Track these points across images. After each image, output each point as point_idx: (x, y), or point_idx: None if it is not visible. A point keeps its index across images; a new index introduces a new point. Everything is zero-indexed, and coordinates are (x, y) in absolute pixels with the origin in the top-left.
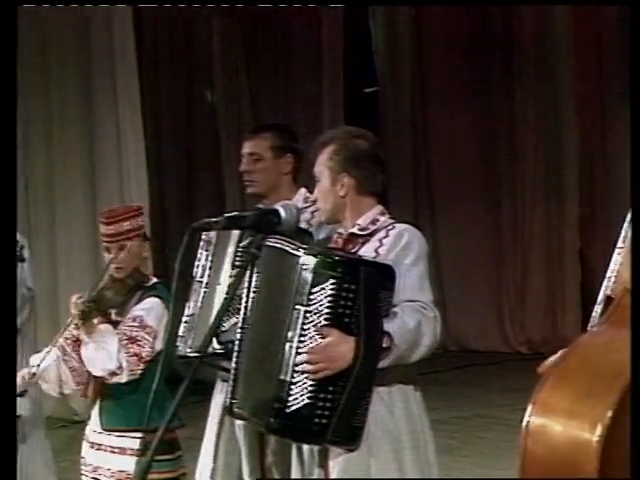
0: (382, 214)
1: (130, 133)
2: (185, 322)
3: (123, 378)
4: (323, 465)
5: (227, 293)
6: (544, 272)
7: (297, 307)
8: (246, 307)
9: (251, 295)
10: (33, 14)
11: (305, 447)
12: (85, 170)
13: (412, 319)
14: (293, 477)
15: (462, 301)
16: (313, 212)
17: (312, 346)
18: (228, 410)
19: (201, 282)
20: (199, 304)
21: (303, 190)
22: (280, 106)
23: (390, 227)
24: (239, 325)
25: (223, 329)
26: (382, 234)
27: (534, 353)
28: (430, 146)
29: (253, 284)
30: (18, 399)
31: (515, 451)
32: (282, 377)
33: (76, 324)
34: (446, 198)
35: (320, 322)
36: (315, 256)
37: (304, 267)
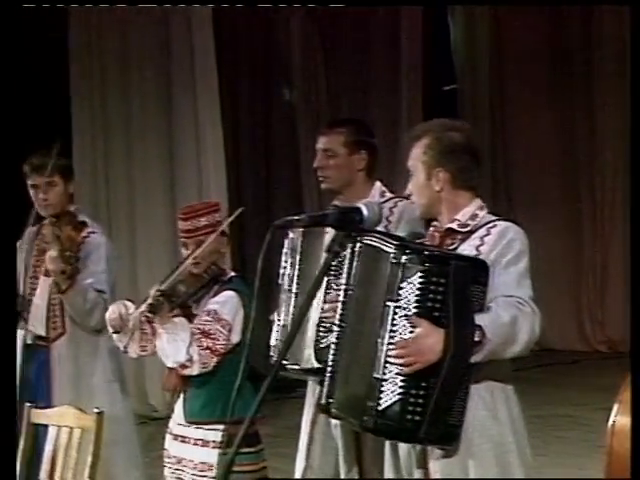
0: (481, 209)
1: (209, 131)
2: (277, 331)
3: (194, 370)
4: (423, 466)
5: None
6: (623, 271)
7: (388, 303)
8: (343, 306)
9: (343, 293)
10: (111, 14)
11: (402, 447)
12: (164, 168)
13: (507, 313)
14: (386, 477)
15: (541, 300)
16: (391, 208)
17: (401, 339)
18: (325, 409)
19: (290, 291)
20: (291, 315)
21: (378, 184)
22: (358, 105)
23: (492, 225)
24: (336, 322)
25: (321, 345)
26: (483, 232)
27: (614, 352)
28: (508, 146)
29: (349, 282)
30: (104, 396)
31: (594, 450)
32: (375, 375)
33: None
34: (524, 199)
35: (409, 316)
36: (404, 251)
37: (394, 262)
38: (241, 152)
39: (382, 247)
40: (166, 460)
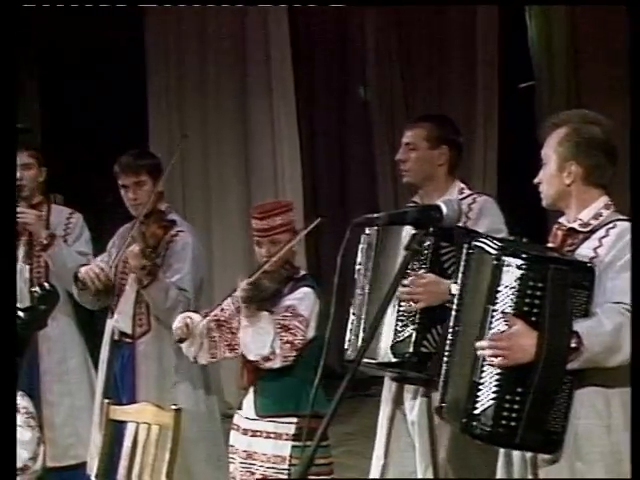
0: (607, 207)
1: (284, 129)
2: (351, 326)
3: (276, 364)
4: (535, 473)
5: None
6: None
7: (487, 306)
8: (457, 308)
9: (458, 296)
10: (188, 14)
11: (516, 452)
12: (240, 167)
13: (611, 321)
14: (499, 476)
15: None
16: (470, 204)
17: (495, 334)
18: (438, 412)
19: (365, 286)
20: (365, 309)
21: (458, 182)
22: (434, 102)
23: (611, 225)
24: (450, 326)
25: (398, 339)
26: (602, 232)
27: None
28: None
29: (463, 284)
30: (187, 393)
31: None
32: (473, 378)
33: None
34: None
35: (506, 317)
36: (504, 253)
37: (495, 264)
38: (316, 150)
39: (486, 248)
40: (232, 456)
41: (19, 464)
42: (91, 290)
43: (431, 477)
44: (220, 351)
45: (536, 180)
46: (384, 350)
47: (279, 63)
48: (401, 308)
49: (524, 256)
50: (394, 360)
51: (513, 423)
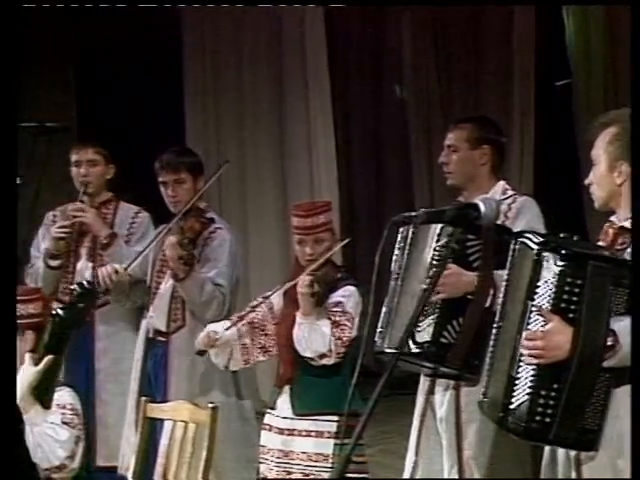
0: None
1: (320, 129)
2: (382, 318)
3: (331, 360)
4: (578, 470)
5: (424, 290)
6: None
7: (527, 301)
8: (502, 304)
9: (504, 291)
10: (224, 14)
11: (560, 450)
12: (276, 168)
13: None
14: (543, 476)
15: None
16: (510, 204)
17: (531, 331)
18: (480, 407)
19: (398, 278)
20: (396, 300)
21: (502, 182)
22: (470, 101)
23: None
24: (495, 321)
25: (418, 329)
26: None
27: None
28: None
29: (508, 279)
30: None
31: None
32: (511, 373)
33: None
34: None
35: (543, 313)
36: (545, 248)
37: (535, 259)
38: (352, 149)
39: (529, 243)
40: (264, 456)
41: (56, 462)
42: (101, 287)
43: (455, 476)
44: (253, 356)
45: (587, 181)
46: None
47: (315, 63)
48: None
49: (563, 252)
50: (415, 350)
51: (547, 419)
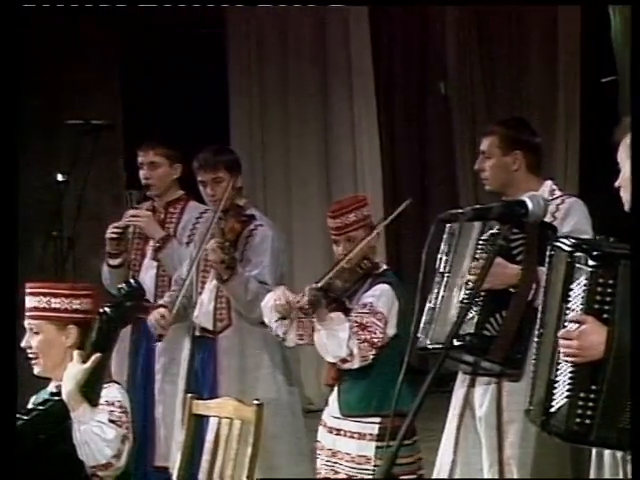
0: None
1: (364, 124)
2: (426, 314)
3: (355, 364)
4: (626, 472)
5: (469, 287)
6: None
7: (562, 304)
8: (542, 310)
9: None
10: (268, 13)
11: (606, 453)
12: (320, 162)
13: None
14: (592, 477)
15: None
16: (558, 205)
17: (567, 330)
18: (527, 415)
19: (443, 274)
20: (440, 296)
21: (549, 183)
22: (515, 98)
23: None
24: (537, 328)
25: (462, 321)
26: None
27: None
28: None
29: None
30: (269, 388)
31: None
32: (550, 376)
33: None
34: None
35: (576, 316)
36: (577, 250)
37: (568, 261)
38: (396, 146)
39: (562, 247)
40: (319, 452)
41: (102, 460)
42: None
43: (495, 475)
44: (307, 334)
45: (617, 184)
46: (448, 333)
47: (359, 59)
48: (466, 290)
49: (595, 253)
50: (457, 343)
51: (587, 420)
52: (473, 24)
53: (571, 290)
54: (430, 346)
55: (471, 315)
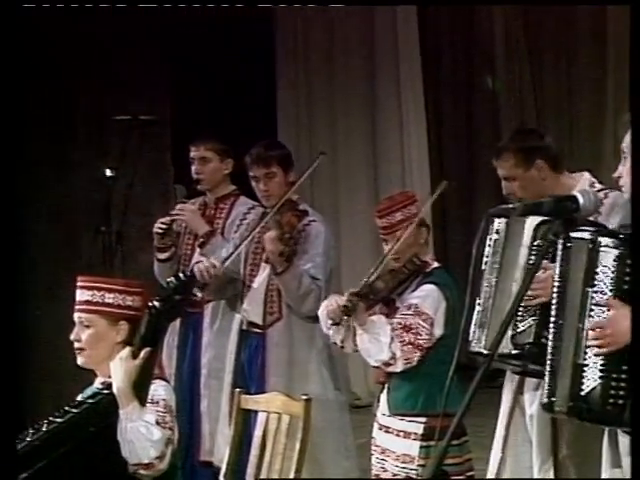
0: None
1: (412, 120)
2: (476, 317)
3: (398, 367)
4: None
5: (521, 289)
6: None
7: (586, 289)
8: (558, 298)
9: (557, 286)
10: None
11: (620, 437)
12: (368, 159)
13: None
14: (603, 469)
15: None
16: (601, 199)
17: (597, 321)
18: (548, 409)
19: (492, 275)
20: (490, 299)
21: (587, 175)
22: (563, 93)
23: None
24: (552, 319)
25: (518, 330)
26: None
27: None
28: None
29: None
30: (317, 383)
31: None
32: (577, 361)
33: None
34: None
35: (604, 300)
36: (600, 236)
37: (590, 247)
38: (444, 143)
39: (581, 235)
40: (373, 448)
41: (145, 460)
42: (199, 283)
43: (549, 473)
44: None
45: (616, 174)
46: (504, 341)
47: (407, 54)
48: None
49: (621, 237)
50: (514, 352)
51: (620, 401)
52: (521, 19)
53: (596, 274)
54: (485, 352)
55: (529, 323)
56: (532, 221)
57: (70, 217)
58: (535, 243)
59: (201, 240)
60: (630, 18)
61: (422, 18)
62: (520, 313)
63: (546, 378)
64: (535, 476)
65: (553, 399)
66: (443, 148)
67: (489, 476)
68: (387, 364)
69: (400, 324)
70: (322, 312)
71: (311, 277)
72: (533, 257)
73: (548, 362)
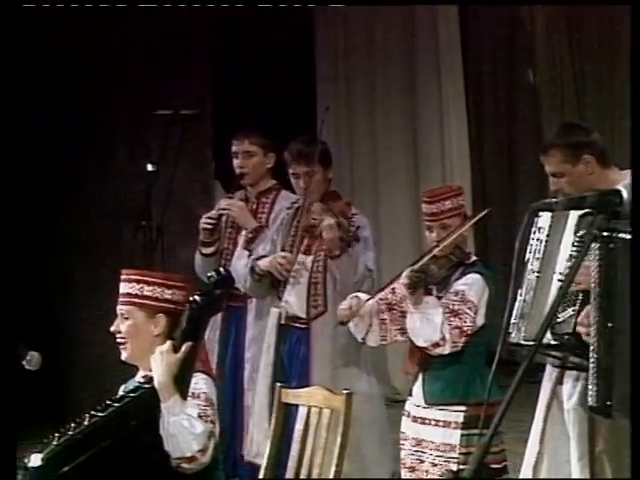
0: None
1: (453, 114)
2: (517, 308)
3: (446, 350)
4: None
5: (563, 281)
6: None
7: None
8: (601, 294)
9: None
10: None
11: None
12: (408, 153)
13: None
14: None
15: None
16: None
17: None
18: (602, 412)
19: (534, 268)
20: (532, 291)
21: (627, 172)
22: (605, 87)
23: None
24: (593, 316)
25: (558, 320)
26: None
27: None
28: None
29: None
30: (360, 376)
31: None
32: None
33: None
34: None
35: None
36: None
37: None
38: (484, 135)
39: (624, 236)
40: (402, 442)
41: (188, 454)
42: (265, 285)
43: (586, 468)
44: (391, 334)
45: None
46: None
47: (447, 48)
48: (562, 289)
49: None
50: (553, 342)
51: None
52: (562, 12)
53: None
54: (524, 342)
55: (569, 314)
56: (575, 214)
57: (111, 212)
58: (578, 235)
59: (250, 236)
60: (630, 18)
61: (463, 12)
62: (559, 303)
63: (592, 378)
64: (572, 470)
65: (608, 403)
66: (483, 142)
67: (526, 469)
68: (436, 345)
69: (448, 309)
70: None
71: (367, 269)
72: (575, 250)
73: (593, 361)
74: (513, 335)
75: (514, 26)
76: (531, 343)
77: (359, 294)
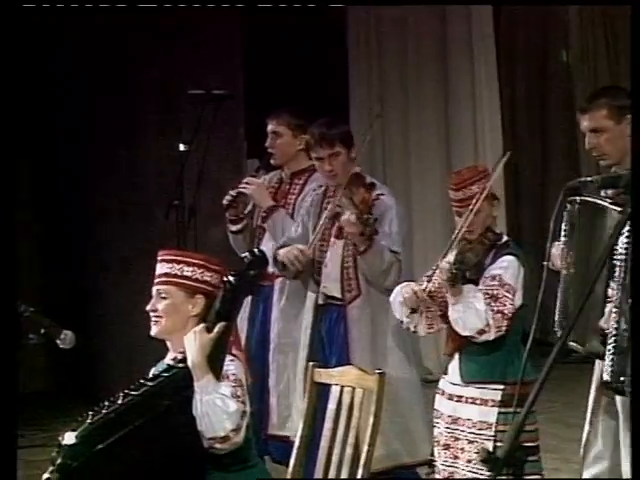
0: None
1: (485, 93)
2: (559, 306)
3: (491, 335)
4: None
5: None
6: None
7: None
8: (625, 270)
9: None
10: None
11: None
12: (440, 132)
13: None
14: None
15: None
16: None
17: None
18: (607, 385)
19: (568, 248)
20: (571, 289)
21: None
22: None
23: None
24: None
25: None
26: None
27: None
28: None
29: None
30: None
31: None
32: None
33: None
34: None
35: None
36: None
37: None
38: (517, 116)
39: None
40: (436, 420)
41: (221, 433)
42: (291, 272)
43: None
44: (437, 321)
45: None
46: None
47: (480, 26)
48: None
49: None
50: (603, 350)
51: None
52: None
53: None
54: (571, 345)
55: (609, 307)
56: (610, 193)
57: (144, 191)
58: (623, 242)
59: (263, 215)
60: (630, 18)
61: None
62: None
63: (609, 356)
64: (622, 451)
65: (622, 378)
66: (516, 122)
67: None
68: (481, 332)
69: (488, 294)
70: (396, 300)
71: (391, 251)
72: (611, 229)
73: (619, 339)
74: (559, 334)
75: (548, 4)
76: (578, 347)
77: (412, 284)
